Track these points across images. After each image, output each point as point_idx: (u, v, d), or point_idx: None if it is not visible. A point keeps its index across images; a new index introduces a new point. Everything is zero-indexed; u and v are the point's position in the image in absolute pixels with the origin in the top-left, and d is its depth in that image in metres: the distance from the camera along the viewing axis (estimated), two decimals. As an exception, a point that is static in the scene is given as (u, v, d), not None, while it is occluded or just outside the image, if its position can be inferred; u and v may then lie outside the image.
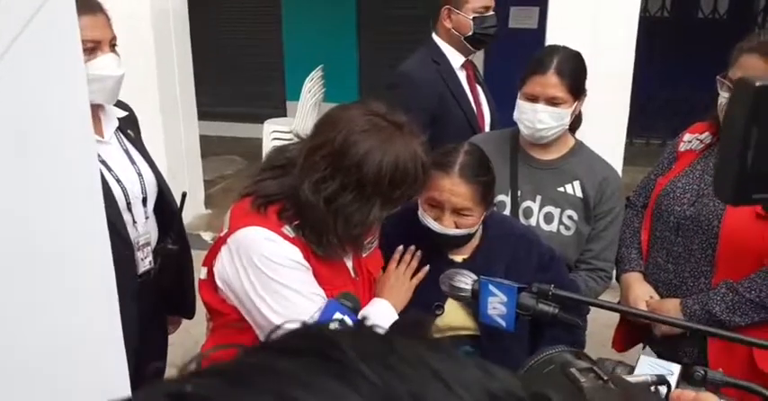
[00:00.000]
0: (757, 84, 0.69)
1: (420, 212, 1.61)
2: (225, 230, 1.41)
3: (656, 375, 0.90)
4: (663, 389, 0.93)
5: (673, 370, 1.00)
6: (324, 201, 1.30)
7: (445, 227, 1.56)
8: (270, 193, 1.38)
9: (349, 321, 1.11)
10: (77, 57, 0.59)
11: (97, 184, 0.66)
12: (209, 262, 1.44)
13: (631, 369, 1.02)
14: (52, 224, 0.62)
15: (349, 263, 1.50)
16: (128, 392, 0.73)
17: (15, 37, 0.55)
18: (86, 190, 0.66)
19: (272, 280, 1.33)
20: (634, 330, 1.98)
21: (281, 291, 1.33)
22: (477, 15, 2.53)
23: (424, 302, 1.57)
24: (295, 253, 1.35)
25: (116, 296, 0.70)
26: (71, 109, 0.61)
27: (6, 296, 0.61)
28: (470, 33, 2.55)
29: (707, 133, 1.87)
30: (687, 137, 1.93)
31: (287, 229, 1.36)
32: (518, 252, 1.65)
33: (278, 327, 0.36)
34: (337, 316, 1.12)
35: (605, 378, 0.78)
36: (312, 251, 1.38)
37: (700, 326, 1.49)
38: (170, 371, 1.96)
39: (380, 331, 0.35)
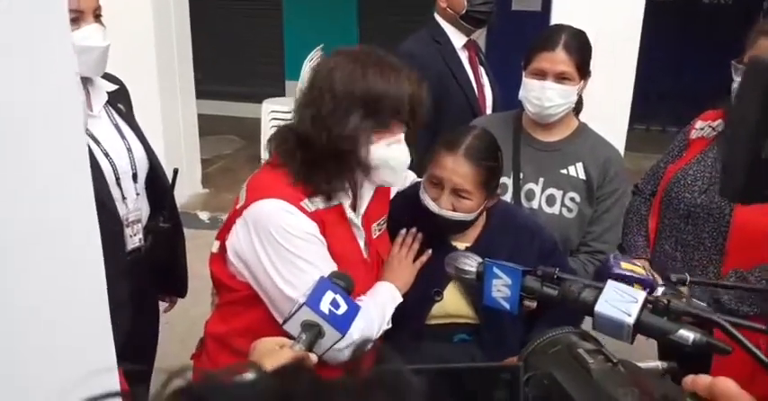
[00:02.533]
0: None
1: (421, 191, 1.59)
2: (241, 203, 1.40)
3: (667, 363, 0.88)
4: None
5: (637, 298, 1.00)
6: (310, 121, 1.34)
7: (442, 207, 1.55)
8: (284, 157, 1.39)
9: (341, 300, 1.10)
10: (64, 26, 0.57)
11: (84, 160, 0.64)
12: (222, 236, 1.43)
13: (597, 293, 1.02)
14: (38, 200, 0.60)
15: (361, 242, 1.50)
16: (114, 367, 0.73)
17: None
18: (74, 165, 0.64)
19: (288, 251, 1.33)
20: None
21: (297, 263, 1.33)
22: None
23: (425, 288, 1.57)
24: (312, 226, 1.36)
25: (103, 274, 0.68)
26: (57, 80, 0.59)
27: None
28: (464, 11, 2.50)
29: (720, 120, 1.84)
30: (699, 124, 1.90)
31: (305, 203, 1.36)
32: (520, 241, 1.62)
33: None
34: (328, 295, 1.10)
35: (615, 360, 0.77)
36: (328, 225, 1.38)
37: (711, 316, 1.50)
38: (163, 349, 1.96)
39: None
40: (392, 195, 1.67)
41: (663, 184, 1.89)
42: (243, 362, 1.03)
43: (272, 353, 1.03)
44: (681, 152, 1.92)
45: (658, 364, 0.93)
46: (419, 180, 1.68)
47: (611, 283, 1.05)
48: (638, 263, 1.23)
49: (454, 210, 1.55)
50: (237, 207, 1.40)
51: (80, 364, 0.71)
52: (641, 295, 1.01)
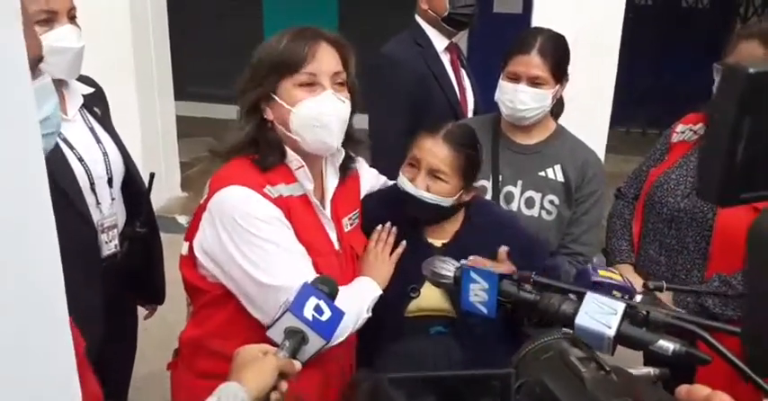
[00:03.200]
0: (751, 70, 0.64)
1: (399, 176, 1.61)
2: (204, 198, 1.40)
3: (659, 369, 0.88)
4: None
5: (616, 309, 1.02)
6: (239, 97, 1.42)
7: (416, 186, 1.55)
8: (234, 143, 1.43)
9: (325, 306, 1.09)
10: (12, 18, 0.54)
11: (39, 158, 0.62)
12: (190, 237, 1.41)
13: (577, 306, 1.03)
14: None
15: (332, 234, 1.49)
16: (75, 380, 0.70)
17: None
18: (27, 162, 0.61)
19: (255, 236, 1.31)
20: None
21: (265, 247, 1.32)
22: None
23: (402, 285, 1.58)
24: (276, 211, 1.35)
25: (62, 284, 0.66)
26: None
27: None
28: (446, 14, 2.49)
29: (701, 124, 1.85)
30: (680, 128, 1.91)
31: (268, 189, 1.35)
32: (499, 238, 1.62)
33: None
34: (312, 300, 1.09)
35: (607, 368, 0.76)
36: (293, 212, 1.38)
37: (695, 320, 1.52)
38: (141, 355, 1.92)
39: None
40: (363, 192, 1.67)
41: (645, 188, 1.89)
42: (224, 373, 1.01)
43: (255, 361, 1.01)
44: (663, 155, 1.93)
45: (650, 370, 0.94)
46: (392, 182, 1.69)
47: (590, 295, 1.06)
48: (615, 270, 1.24)
49: (428, 192, 1.56)
50: (201, 202, 1.40)
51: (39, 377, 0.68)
52: (621, 306, 1.02)
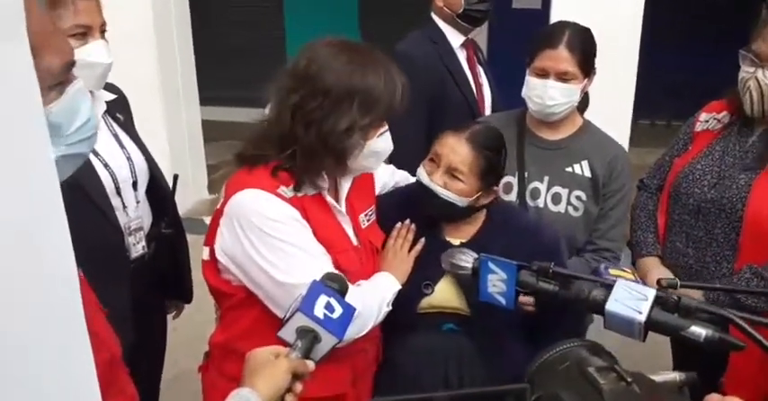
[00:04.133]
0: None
1: (419, 169, 1.61)
2: (221, 202, 1.41)
3: (685, 374, 0.85)
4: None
5: (647, 295, 1.00)
6: (291, 115, 1.34)
7: (433, 181, 1.56)
8: (256, 152, 1.41)
9: (335, 303, 1.08)
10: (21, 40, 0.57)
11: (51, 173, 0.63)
12: (209, 242, 1.43)
13: (608, 292, 1.02)
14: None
15: (349, 230, 1.50)
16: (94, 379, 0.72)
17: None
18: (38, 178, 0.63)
19: (273, 237, 1.33)
20: None
21: (284, 248, 1.33)
22: None
23: (417, 282, 1.58)
24: (293, 211, 1.36)
25: (77, 282, 0.67)
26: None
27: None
28: (461, 11, 2.48)
29: (725, 112, 1.82)
30: (704, 116, 1.88)
31: (282, 190, 1.36)
32: (518, 242, 1.61)
33: None
34: (322, 298, 1.07)
35: (628, 379, 0.72)
36: (310, 212, 1.39)
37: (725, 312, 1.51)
38: (170, 355, 1.96)
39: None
40: (377, 188, 1.68)
41: (670, 179, 1.86)
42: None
43: (267, 365, 1.00)
44: (686, 145, 1.89)
45: (676, 376, 0.91)
46: (413, 179, 1.69)
47: (621, 281, 1.04)
48: (628, 269, 1.22)
49: (445, 188, 1.56)
50: (218, 206, 1.41)
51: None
52: (652, 292, 1.01)
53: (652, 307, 0.99)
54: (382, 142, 1.42)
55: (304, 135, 1.34)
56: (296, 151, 1.36)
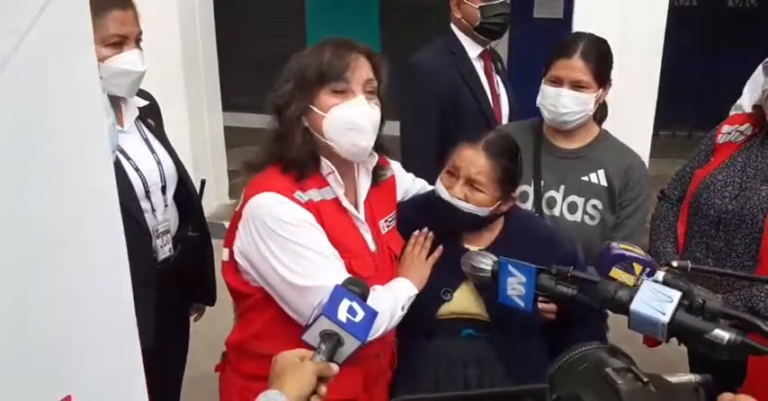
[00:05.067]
0: None
1: (437, 183, 1.62)
2: (239, 205, 1.45)
3: (700, 376, 0.86)
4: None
5: (672, 297, 1.02)
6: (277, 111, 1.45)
7: (453, 195, 1.57)
8: (263, 157, 1.48)
9: (358, 307, 1.10)
10: (89, 52, 0.60)
11: (111, 186, 0.66)
12: (229, 243, 1.46)
13: (633, 293, 1.03)
14: (61, 219, 0.62)
15: (367, 236, 1.52)
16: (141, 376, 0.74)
17: (25, 32, 0.56)
18: (99, 189, 0.66)
19: (288, 240, 1.35)
20: None
21: (299, 251, 1.35)
22: (484, 4, 2.45)
23: (436, 288, 1.59)
24: (307, 215, 1.38)
25: (130, 289, 0.70)
26: (83, 105, 0.62)
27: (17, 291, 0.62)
28: (478, 24, 2.49)
29: (747, 124, 1.82)
30: (726, 128, 1.87)
31: (298, 194, 1.39)
32: (536, 250, 1.60)
33: None
34: (345, 303, 1.09)
35: (645, 379, 0.73)
36: (324, 216, 1.42)
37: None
38: (191, 357, 1.99)
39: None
40: (399, 195, 1.70)
41: (691, 189, 1.86)
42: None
43: (294, 368, 1.02)
44: (708, 157, 1.89)
45: (691, 378, 0.92)
46: (431, 188, 1.70)
47: (647, 283, 1.06)
48: (636, 246, 1.24)
49: (466, 201, 1.57)
50: (237, 209, 1.45)
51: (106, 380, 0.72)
52: (677, 295, 1.02)
53: (676, 309, 1.00)
54: (347, 113, 1.41)
55: (289, 120, 1.43)
56: (279, 148, 1.43)
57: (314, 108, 1.42)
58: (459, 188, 1.58)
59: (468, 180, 1.57)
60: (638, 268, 1.14)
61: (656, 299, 1.01)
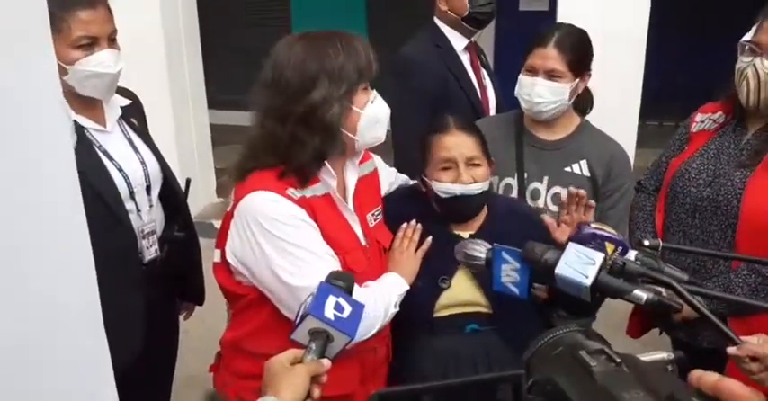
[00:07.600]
0: None
1: (435, 187, 1.61)
2: (230, 206, 1.43)
3: (673, 353, 0.87)
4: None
5: (594, 260, 1.07)
6: (275, 121, 1.39)
7: (464, 183, 1.58)
8: (256, 164, 1.43)
9: (344, 302, 1.09)
10: (47, 53, 0.59)
11: (74, 190, 0.65)
12: (221, 244, 1.45)
13: (558, 256, 1.09)
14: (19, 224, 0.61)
15: (357, 230, 1.52)
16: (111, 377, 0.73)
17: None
18: (59, 192, 0.65)
19: (282, 239, 1.35)
20: (649, 315, 1.96)
21: (293, 251, 1.35)
22: None
23: (432, 277, 1.59)
24: (300, 212, 1.38)
25: (97, 298, 0.69)
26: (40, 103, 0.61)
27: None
28: (466, 13, 2.50)
29: (720, 113, 1.84)
30: (699, 117, 1.90)
31: (291, 191, 1.38)
32: (524, 229, 1.62)
33: None
34: (331, 300, 1.08)
35: (617, 360, 0.74)
36: (318, 211, 1.41)
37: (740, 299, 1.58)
38: (181, 357, 1.98)
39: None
40: (383, 188, 1.70)
41: (667, 179, 1.88)
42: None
43: (287, 372, 1.02)
44: (683, 146, 1.91)
45: (664, 355, 0.90)
46: (414, 181, 1.72)
47: (571, 245, 1.11)
48: (608, 225, 1.28)
49: (474, 181, 1.59)
50: (228, 210, 1.44)
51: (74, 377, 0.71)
52: (599, 257, 1.08)
53: (599, 272, 1.06)
54: (377, 107, 1.45)
55: (282, 130, 1.38)
56: (290, 153, 1.39)
57: (354, 107, 1.42)
58: (464, 172, 1.59)
59: (467, 161, 1.59)
60: (610, 247, 1.18)
61: (580, 262, 1.07)
